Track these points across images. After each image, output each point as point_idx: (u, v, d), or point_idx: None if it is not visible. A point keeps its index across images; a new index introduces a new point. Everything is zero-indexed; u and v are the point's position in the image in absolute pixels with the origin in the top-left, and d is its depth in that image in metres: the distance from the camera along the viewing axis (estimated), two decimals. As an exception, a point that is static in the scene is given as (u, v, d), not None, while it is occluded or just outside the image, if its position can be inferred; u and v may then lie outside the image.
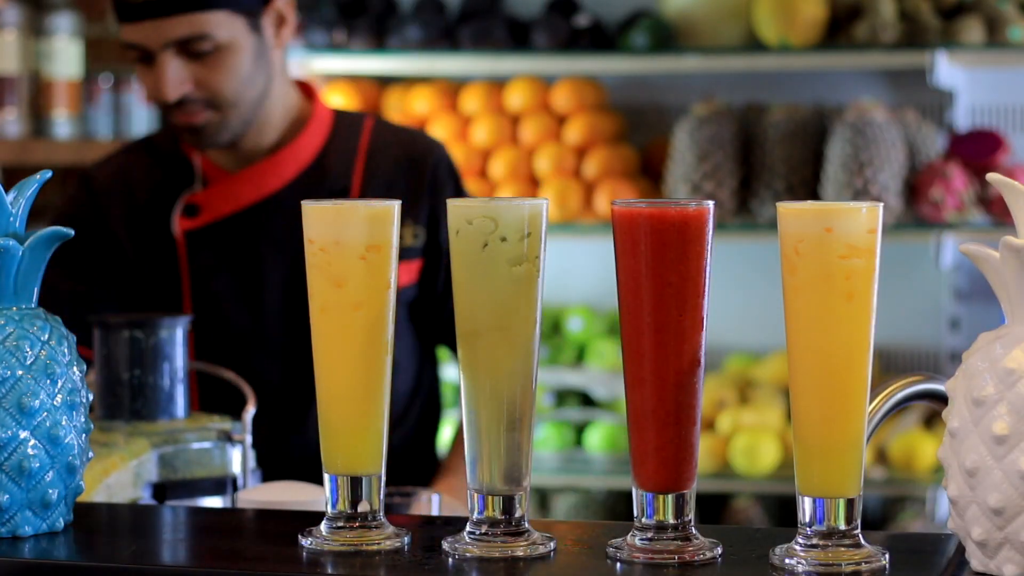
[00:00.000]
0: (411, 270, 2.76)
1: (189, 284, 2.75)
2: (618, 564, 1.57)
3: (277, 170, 2.74)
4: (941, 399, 1.81)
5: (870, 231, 1.54)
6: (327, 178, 2.75)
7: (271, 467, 2.34)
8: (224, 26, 2.60)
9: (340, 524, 1.64)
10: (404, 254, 2.74)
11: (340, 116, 2.82)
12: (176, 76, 2.60)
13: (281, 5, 2.68)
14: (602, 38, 4.50)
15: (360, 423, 1.65)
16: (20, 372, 1.67)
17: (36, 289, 1.72)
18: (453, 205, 1.61)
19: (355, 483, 1.64)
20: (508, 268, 1.59)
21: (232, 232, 2.74)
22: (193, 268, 2.75)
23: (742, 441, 4.37)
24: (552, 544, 1.61)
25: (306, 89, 2.83)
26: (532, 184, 4.51)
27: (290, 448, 2.63)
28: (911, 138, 4.31)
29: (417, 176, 2.76)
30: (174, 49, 2.60)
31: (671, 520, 1.58)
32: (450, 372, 3.67)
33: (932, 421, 4.45)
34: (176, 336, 2.16)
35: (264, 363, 2.71)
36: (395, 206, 1.66)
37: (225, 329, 2.74)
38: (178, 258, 2.76)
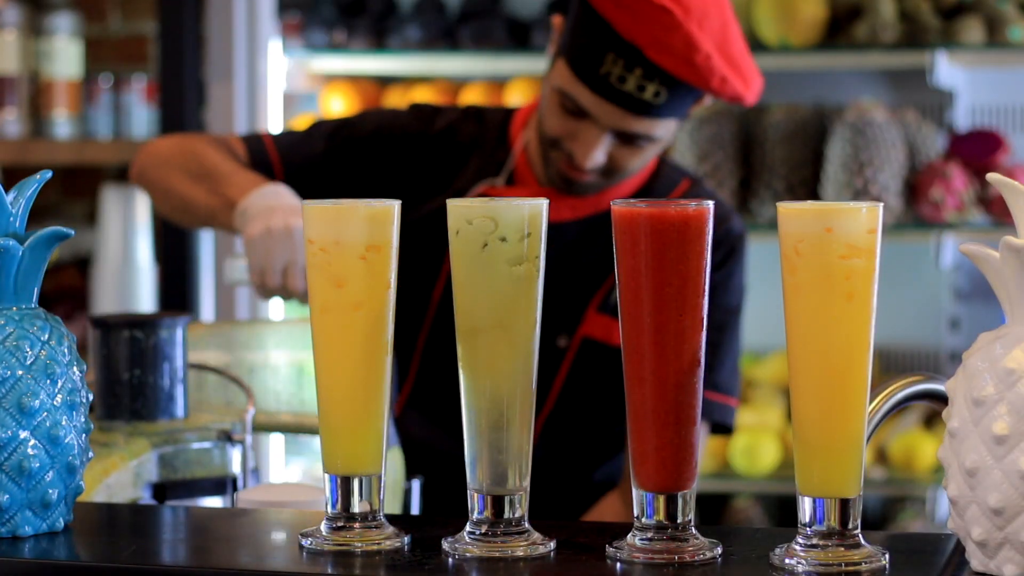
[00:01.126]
0: None
1: (447, 272, 2.70)
2: (618, 564, 1.57)
3: (577, 204, 2.69)
4: (941, 399, 1.81)
5: (870, 231, 1.54)
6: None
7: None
8: (667, 127, 2.61)
9: (340, 524, 1.64)
10: None
11: (662, 167, 2.77)
12: (602, 152, 2.60)
13: (707, 100, 2.65)
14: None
15: (360, 423, 1.65)
16: (20, 372, 1.67)
17: (36, 289, 1.72)
18: (453, 205, 1.62)
19: (355, 483, 1.64)
20: (508, 268, 1.59)
21: None
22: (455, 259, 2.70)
23: (742, 441, 4.37)
24: (552, 544, 1.61)
25: None
26: (532, 184, 4.51)
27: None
28: (911, 138, 4.31)
29: (726, 256, 2.73)
30: (613, 133, 2.59)
31: (671, 520, 1.58)
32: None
33: (932, 421, 4.45)
34: (176, 336, 2.16)
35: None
36: (395, 206, 1.66)
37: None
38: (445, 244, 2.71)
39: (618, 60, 2.52)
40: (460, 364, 1.62)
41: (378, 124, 2.78)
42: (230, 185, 2.59)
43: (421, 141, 2.76)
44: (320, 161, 2.75)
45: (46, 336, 1.70)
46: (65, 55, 4.31)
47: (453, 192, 2.72)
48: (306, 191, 2.68)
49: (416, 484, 2.35)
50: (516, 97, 4.56)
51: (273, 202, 2.48)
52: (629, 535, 1.59)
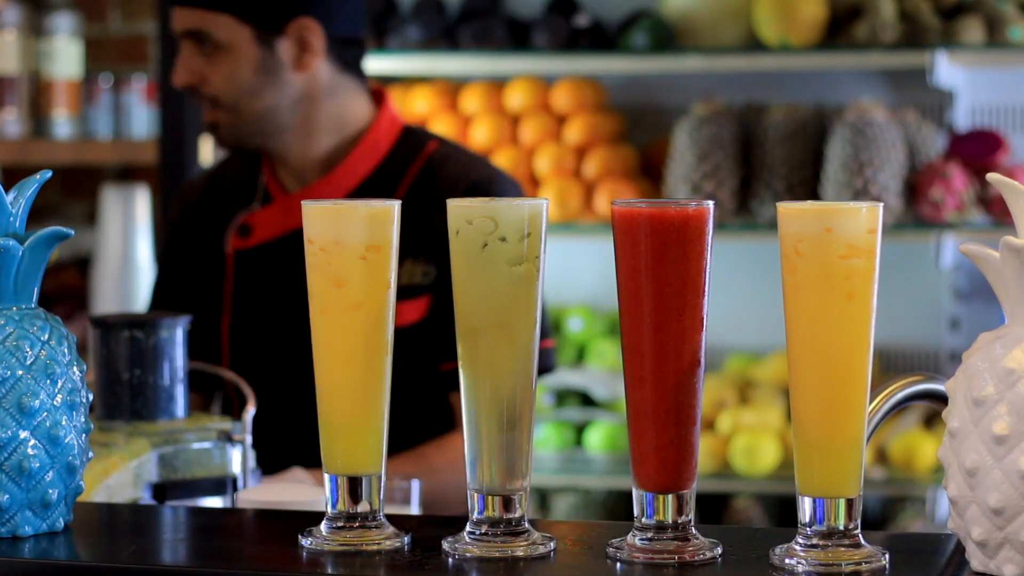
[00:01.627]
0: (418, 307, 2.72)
1: (231, 304, 2.78)
2: (618, 564, 1.57)
3: (329, 191, 2.74)
4: (941, 399, 1.81)
5: (870, 231, 1.54)
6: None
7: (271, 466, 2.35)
8: (225, 29, 2.69)
9: (340, 524, 1.64)
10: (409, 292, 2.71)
11: (406, 136, 2.80)
12: (185, 65, 2.73)
13: (302, 32, 2.71)
14: (602, 38, 4.50)
15: (360, 423, 1.65)
16: (20, 372, 1.67)
17: (36, 289, 1.72)
18: (453, 205, 1.62)
19: (355, 483, 1.64)
20: (508, 268, 1.59)
21: (277, 255, 2.76)
22: (237, 288, 2.79)
23: (742, 441, 4.37)
24: (552, 544, 1.61)
25: (380, 107, 2.82)
26: (532, 184, 4.51)
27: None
28: (911, 138, 4.30)
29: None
30: (190, 40, 2.72)
31: (671, 520, 1.58)
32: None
33: (932, 421, 4.45)
34: (176, 336, 2.16)
35: (299, 387, 2.70)
36: (395, 206, 1.66)
37: (260, 351, 2.76)
38: (224, 277, 2.79)
39: None
40: (460, 364, 1.62)
41: (165, 246, 2.92)
42: None
43: (191, 214, 2.87)
44: (171, 289, 2.86)
45: (46, 336, 1.70)
46: (65, 55, 4.31)
47: (219, 230, 2.82)
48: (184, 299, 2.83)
49: (416, 484, 2.35)
50: (516, 97, 4.56)
51: None
52: (629, 535, 1.59)
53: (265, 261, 2.77)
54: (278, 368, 2.74)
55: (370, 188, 2.74)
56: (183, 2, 2.72)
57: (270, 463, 2.44)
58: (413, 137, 2.80)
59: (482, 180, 2.75)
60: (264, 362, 2.76)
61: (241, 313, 2.78)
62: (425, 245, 2.69)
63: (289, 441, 2.67)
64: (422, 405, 2.75)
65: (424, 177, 2.74)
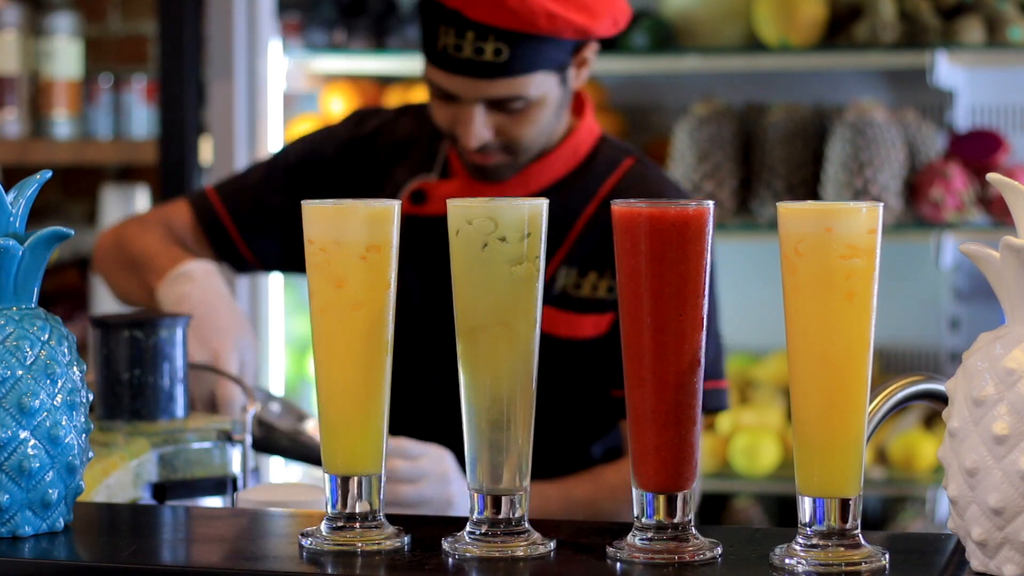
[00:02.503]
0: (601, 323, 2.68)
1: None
2: (618, 564, 1.57)
3: (516, 187, 2.67)
4: (941, 399, 1.81)
5: (870, 231, 1.54)
6: (556, 208, 2.70)
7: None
8: (538, 85, 2.56)
9: (340, 524, 1.64)
10: (578, 304, 2.67)
11: (602, 146, 2.74)
12: (482, 127, 2.57)
13: (588, 53, 2.64)
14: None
15: (360, 423, 1.65)
16: (20, 372, 1.67)
17: (36, 289, 1.72)
18: (453, 205, 1.62)
19: (355, 483, 1.64)
20: (508, 268, 1.59)
21: (442, 232, 2.69)
22: (402, 254, 2.71)
23: (742, 441, 4.38)
24: (552, 544, 1.61)
25: (581, 113, 2.75)
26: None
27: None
28: (911, 138, 4.31)
29: None
30: (485, 103, 2.57)
31: (671, 520, 1.58)
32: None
33: (932, 421, 4.45)
34: (176, 336, 2.16)
35: (425, 366, 2.69)
36: (395, 206, 1.66)
37: (408, 323, 2.63)
38: None
39: (448, 30, 2.52)
40: (460, 363, 1.62)
41: (306, 148, 2.81)
42: (150, 271, 2.65)
43: (351, 146, 2.77)
44: (265, 203, 2.78)
45: (46, 336, 1.70)
46: (65, 55, 4.31)
47: (388, 191, 2.73)
48: (262, 231, 2.75)
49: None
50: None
51: (183, 290, 2.54)
52: (629, 535, 1.59)
53: (429, 234, 2.66)
54: (424, 342, 2.69)
55: (560, 192, 2.67)
56: (493, 75, 2.52)
57: (408, 429, 2.47)
58: (610, 148, 2.74)
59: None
60: (411, 334, 2.67)
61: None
62: (612, 260, 2.67)
63: (431, 412, 2.65)
64: (590, 425, 2.73)
65: (618, 193, 2.66)
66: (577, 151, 2.70)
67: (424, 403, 2.68)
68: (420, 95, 4.60)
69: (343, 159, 2.77)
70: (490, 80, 2.52)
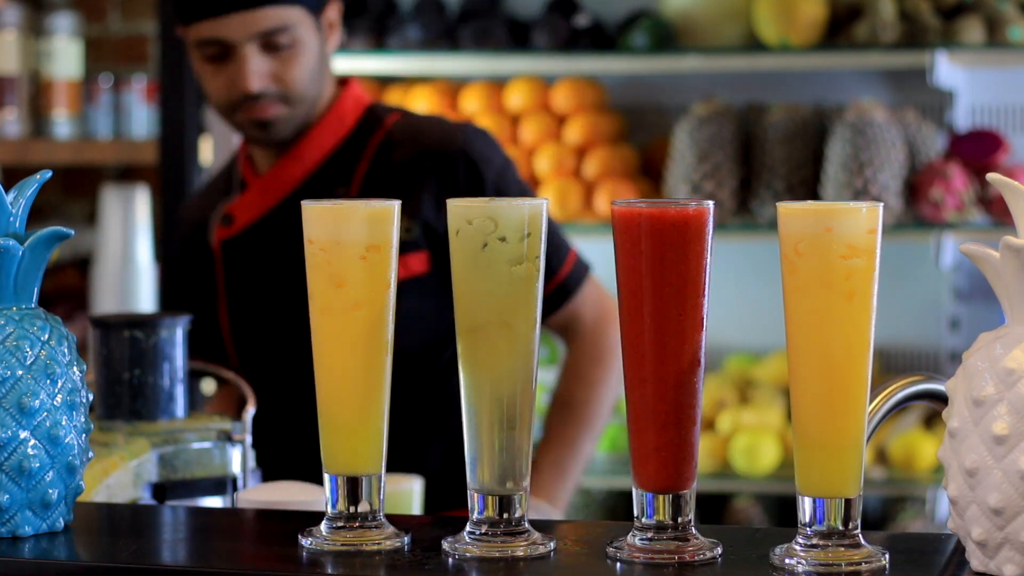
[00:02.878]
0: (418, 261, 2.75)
1: (225, 295, 2.80)
2: (618, 564, 1.57)
3: (289, 171, 2.78)
4: (941, 399, 1.81)
5: (870, 231, 1.54)
6: (330, 177, 2.76)
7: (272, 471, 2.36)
8: (300, 22, 2.70)
9: (340, 524, 1.64)
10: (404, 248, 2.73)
11: (370, 112, 2.83)
12: (259, 69, 2.69)
13: (332, 13, 2.77)
14: (602, 38, 4.50)
15: (360, 423, 1.65)
16: (20, 372, 1.67)
17: (36, 289, 1.72)
18: (453, 205, 1.62)
19: (355, 483, 1.64)
20: (508, 268, 1.59)
21: (260, 238, 2.78)
22: (228, 278, 2.81)
23: (742, 441, 4.37)
24: (552, 544, 1.61)
25: (345, 86, 2.86)
26: (532, 184, 4.51)
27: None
28: (911, 138, 4.30)
29: (431, 169, 2.74)
30: (257, 43, 2.68)
31: (671, 520, 1.58)
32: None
33: (932, 421, 4.45)
34: (176, 336, 2.16)
35: (302, 374, 2.71)
36: (395, 206, 1.66)
37: (261, 338, 2.78)
38: (215, 270, 2.81)
39: None
40: (460, 362, 1.62)
41: (165, 263, 2.99)
42: None
43: (183, 221, 2.94)
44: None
45: (46, 336, 1.70)
46: (65, 55, 4.31)
47: (206, 230, 2.85)
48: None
49: (417, 485, 2.35)
50: (516, 97, 4.56)
51: None
52: (629, 535, 1.59)
53: (250, 246, 2.79)
54: (282, 354, 2.75)
55: (334, 163, 2.77)
56: (259, 4, 2.68)
57: (272, 459, 2.44)
58: (376, 112, 2.84)
59: (444, 141, 2.77)
60: (267, 349, 2.77)
61: (236, 302, 2.80)
62: (410, 206, 2.71)
63: (293, 433, 2.67)
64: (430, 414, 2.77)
65: (386, 145, 2.77)
66: (344, 121, 2.80)
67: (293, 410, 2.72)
68: (420, 95, 4.60)
69: (184, 260, 2.91)
70: (256, 10, 2.66)
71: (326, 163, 2.77)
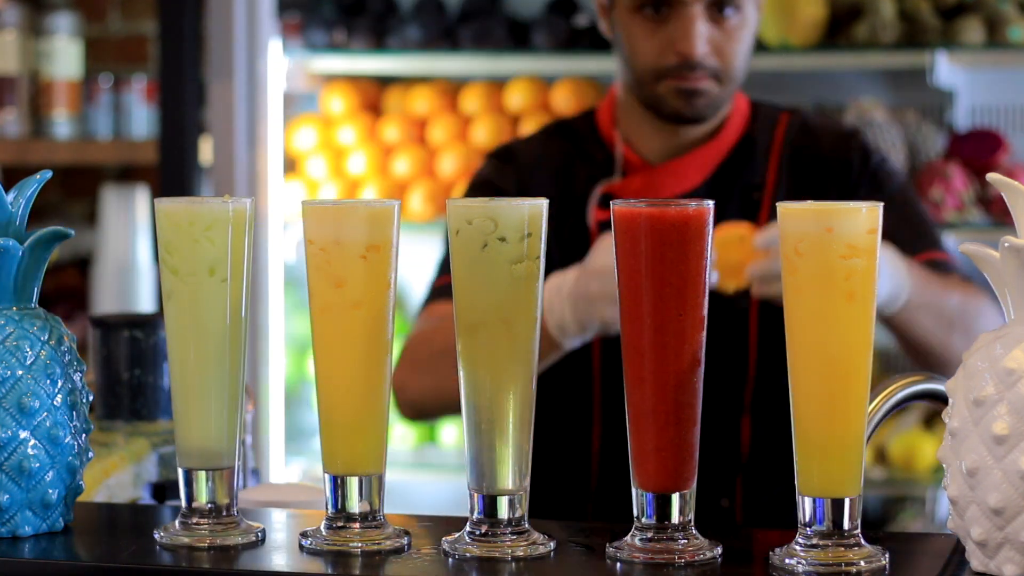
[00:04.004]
0: None
1: None
2: (618, 564, 1.57)
3: (697, 165, 2.69)
4: (941, 399, 1.81)
5: (870, 231, 1.54)
6: (741, 175, 2.70)
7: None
8: None
9: (340, 524, 1.64)
10: None
11: (757, 108, 2.78)
12: (704, 34, 2.60)
13: None
14: (602, 38, 4.49)
15: (360, 423, 1.65)
16: (20, 372, 1.67)
17: (36, 289, 1.72)
18: (453, 205, 1.62)
19: (355, 483, 1.64)
20: (508, 268, 1.59)
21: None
22: None
23: (742, 441, 4.37)
24: (552, 544, 1.61)
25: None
26: (532, 184, 4.50)
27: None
28: (911, 138, 4.30)
29: (841, 175, 2.71)
30: (707, 5, 2.60)
31: (671, 520, 1.58)
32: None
33: (932, 421, 4.45)
34: (176, 336, 2.15)
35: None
36: (395, 206, 1.66)
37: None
38: (588, 246, 2.67)
39: None
40: (460, 362, 1.62)
41: (483, 189, 2.77)
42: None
43: (521, 179, 2.75)
44: None
45: (46, 336, 1.70)
46: (65, 55, 4.32)
47: (572, 204, 2.71)
48: None
49: None
50: (516, 97, 4.56)
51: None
52: (629, 535, 1.59)
53: None
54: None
55: (737, 162, 2.70)
56: None
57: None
58: (764, 109, 2.78)
59: (842, 131, 2.76)
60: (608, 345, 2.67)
61: None
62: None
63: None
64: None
65: (791, 143, 2.72)
66: (740, 121, 2.73)
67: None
68: (420, 95, 4.60)
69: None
70: None
71: (727, 163, 2.69)
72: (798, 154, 2.72)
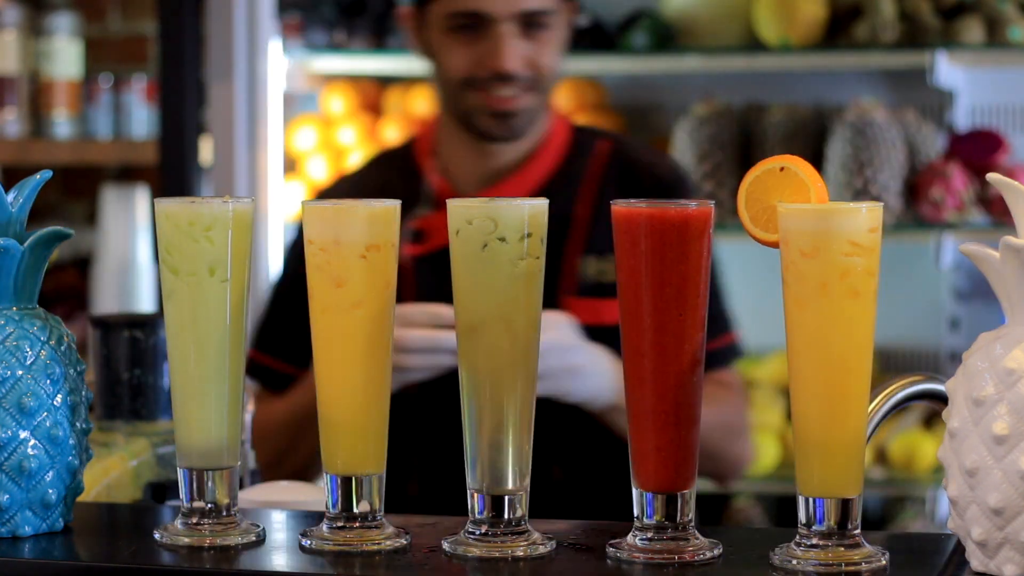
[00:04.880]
0: None
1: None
2: (618, 564, 1.57)
3: (510, 193, 2.67)
4: (941, 399, 1.81)
5: (871, 230, 1.54)
6: (552, 205, 2.71)
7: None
8: (559, 6, 2.64)
9: (340, 524, 1.64)
10: (607, 290, 2.69)
11: (578, 134, 2.76)
12: (515, 49, 2.60)
13: (572, 11, 2.70)
14: (602, 38, 4.50)
15: (360, 423, 1.65)
16: (20, 372, 1.67)
17: (36, 289, 1.72)
18: (453, 205, 1.62)
19: (355, 483, 1.64)
20: (508, 268, 1.59)
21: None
22: (420, 295, 2.68)
23: (742, 441, 4.37)
24: (552, 544, 1.61)
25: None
26: (532, 184, 4.50)
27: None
28: (911, 138, 4.30)
29: None
30: (518, 22, 2.60)
31: (671, 520, 1.58)
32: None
33: (932, 421, 4.45)
34: (176, 336, 2.15)
35: None
36: (396, 205, 1.66)
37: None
38: (403, 284, 2.70)
39: None
40: (460, 362, 1.62)
41: (294, 258, 2.79)
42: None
43: None
44: (289, 321, 2.74)
45: (46, 336, 1.70)
46: (65, 55, 4.31)
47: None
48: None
49: None
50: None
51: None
52: (629, 535, 1.59)
53: (444, 267, 2.67)
54: None
55: (548, 194, 2.68)
56: None
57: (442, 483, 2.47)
58: (584, 135, 2.77)
59: (666, 177, 2.74)
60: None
61: None
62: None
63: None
64: None
65: (612, 177, 2.70)
66: (558, 142, 2.72)
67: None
68: (420, 95, 4.60)
69: None
70: None
71: (541, 192, 2.67)
72: (616, 186, 2.70)
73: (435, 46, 2.65)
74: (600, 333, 2.63)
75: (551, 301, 2.66)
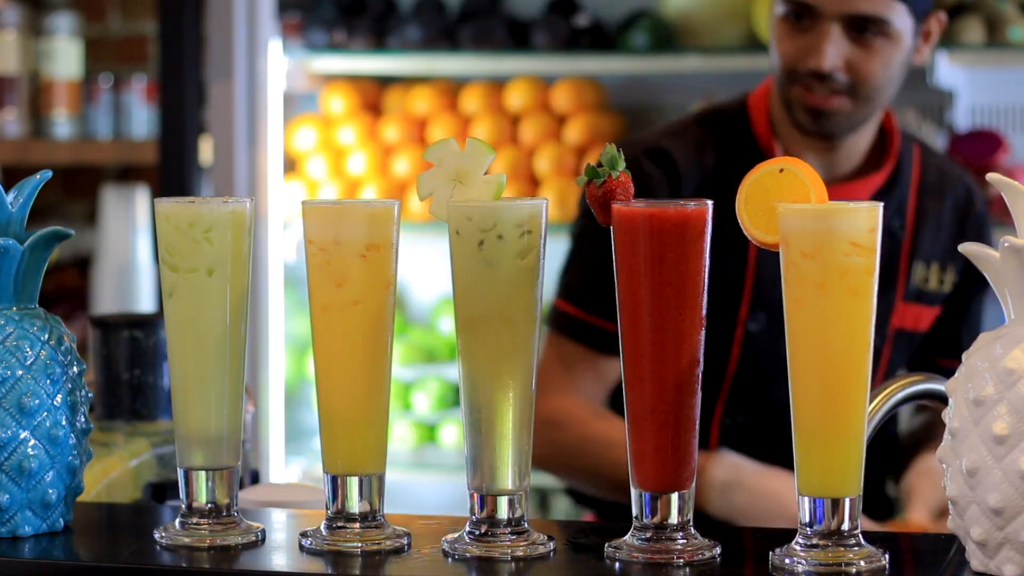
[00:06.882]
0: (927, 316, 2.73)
1: (751, 298, 2.66)
2: (618, 564, 1.57)
3: (844, 197, 2.61)
4: (941, 399, 1.81)
5: (871, 230, 1.54)
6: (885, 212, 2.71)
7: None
8: (900, 19, 2.58)
9: (340, 524, 1.64)
10: (926, 297, 2.72)
11: (904, 140, 2.76)
12: (836, 49, 2.57)
13: (934, 22, 2.67)
14: (602, 38, 4.50)
15: (360, 423, 1.65)
16: (20, 372, 1.67)
17: (36, 289, 1.72)
18: (453, 205, 1.62)
19: (355, 483, 1.64)
20: (507, 268, 1.59)
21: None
22: (757, 283, 2.66)
23: (742, 441, 4.37)
24: (552, 544, 1.61)
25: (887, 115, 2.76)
26: (532, 184, 4.51)
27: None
28: (911, 138, 4.30)
29: (961, 220, 2.73)
30: (844, 24, 2.57)
31: (671, 520, 1.58)
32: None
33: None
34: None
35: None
36: (395, 205, 1.66)
37: (772, 350, 2.63)
38: (745, 269, 2.66)
39: None
40: (460, 361, 1.62)
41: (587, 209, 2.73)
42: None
43: (677, 184, 2.69)
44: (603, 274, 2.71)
45: (46, 336, 1.70)
46: (65, 55, 4.32)
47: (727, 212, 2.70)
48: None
49: None
50: (516, 97, 4.56)
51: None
52: (629, 535, 1.59)
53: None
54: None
55: (887, 195, 2.69)
56: None
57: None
58: (906, 141, 2.76)
59: (970, 187, 2.77)
60: (774, 362, 2.67)
61: (759, 308, 2.65)
62: (946, 252, 2.71)
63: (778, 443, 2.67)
64: None
65: (927, 186, 2.71)
66: (892, 161, 2.72)
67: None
68: (420, 95, 4.60)
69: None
70: None
71: (879, 197, 2.65)
72: (932, 195, 2.72)
73: (773, 29, 2.64)
74: (913, 339, 2.69)
75: (886, 306, 2.68)
